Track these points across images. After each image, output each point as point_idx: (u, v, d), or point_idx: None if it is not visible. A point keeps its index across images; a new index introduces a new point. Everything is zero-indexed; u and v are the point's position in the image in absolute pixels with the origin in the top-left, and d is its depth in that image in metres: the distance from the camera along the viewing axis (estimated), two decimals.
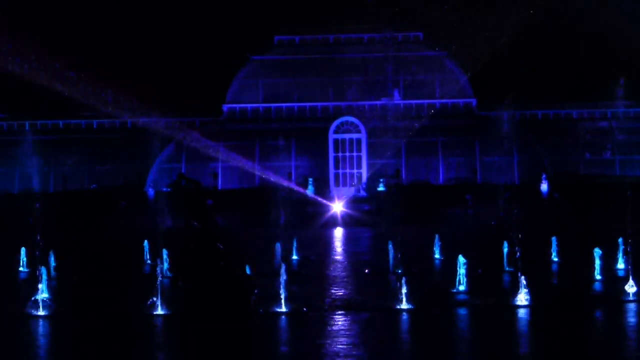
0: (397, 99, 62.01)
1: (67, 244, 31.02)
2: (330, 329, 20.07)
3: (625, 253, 26.86)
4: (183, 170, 55.83)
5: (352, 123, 60.54)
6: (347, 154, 60.31)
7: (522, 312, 21.55)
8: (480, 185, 57.34)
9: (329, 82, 62.95)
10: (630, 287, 22.78)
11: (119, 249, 36.63)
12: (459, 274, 24.50)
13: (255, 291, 22.08)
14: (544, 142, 60.23)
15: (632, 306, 22.05)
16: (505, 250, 28.67)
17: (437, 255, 32.31)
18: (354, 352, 17.78)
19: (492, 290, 24.47)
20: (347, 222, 50.16)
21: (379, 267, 29.39)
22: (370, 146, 59.92)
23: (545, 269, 28.78)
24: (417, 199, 49.65)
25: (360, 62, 62.95)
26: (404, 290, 21.93)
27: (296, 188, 55.50)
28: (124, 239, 39.56)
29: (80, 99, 62.33)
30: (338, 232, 46.49)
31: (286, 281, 22.48)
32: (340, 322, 20.79)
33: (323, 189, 56.99)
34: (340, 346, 18.23)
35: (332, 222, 49.89)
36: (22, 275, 29.39)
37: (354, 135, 60.39)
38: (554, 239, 30.92)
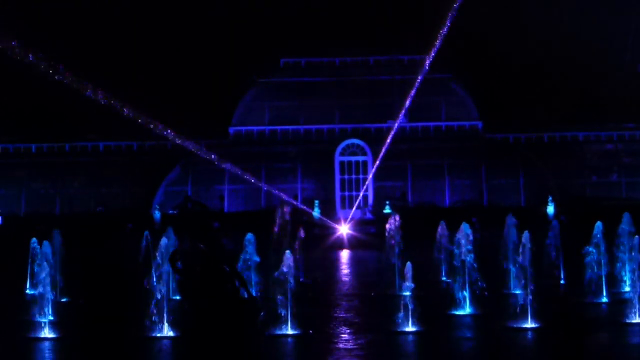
0: (403, 122, 62.05)
1: (73, 266, 31.02)
2: (336, 351, 20.00)
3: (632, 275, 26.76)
4: (189, 193, 55.91)
5: (358, 145, 60.62)
6: (353, 176, 60.35)
7: (528, 335, 21.47)
8: (487, 207, 57.30)
9: (335, 104, 63.05)
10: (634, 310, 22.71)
11: (125, 271, 36.59)
12: (466, 296, 24.45)
13: (261, 313, 22.03)
14: (550, 164, 60.28)
15: (637, 329, 21.96)
16: (512, 272, 28.62)
17: (443, 278, 32.29)
18: None
19: (498, 312, 24.39)
20: (353, 244, 50.10)
21: (384, 289, 29.32)
22: (376, 168, 59.94)
23: (552, 291, 28.68)
24: (423, 222, 49.55)
25: (367, 84, 63.08)
26: (410, 312, 21.86)
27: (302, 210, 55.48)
28: (130, 261, 39.53)
29: (87, 122, 62.55)
30: (344, 254, 46.42)
31: (292, 303, 22.40)
32: (346, 344, 20.71)
33: (329, 211, 56.98)
34: None
35: (339, 244, 49.83)
36: (28, 298, 29.36)
37: (360, 158, 60.45)
38: (560, 261, 30.86)
